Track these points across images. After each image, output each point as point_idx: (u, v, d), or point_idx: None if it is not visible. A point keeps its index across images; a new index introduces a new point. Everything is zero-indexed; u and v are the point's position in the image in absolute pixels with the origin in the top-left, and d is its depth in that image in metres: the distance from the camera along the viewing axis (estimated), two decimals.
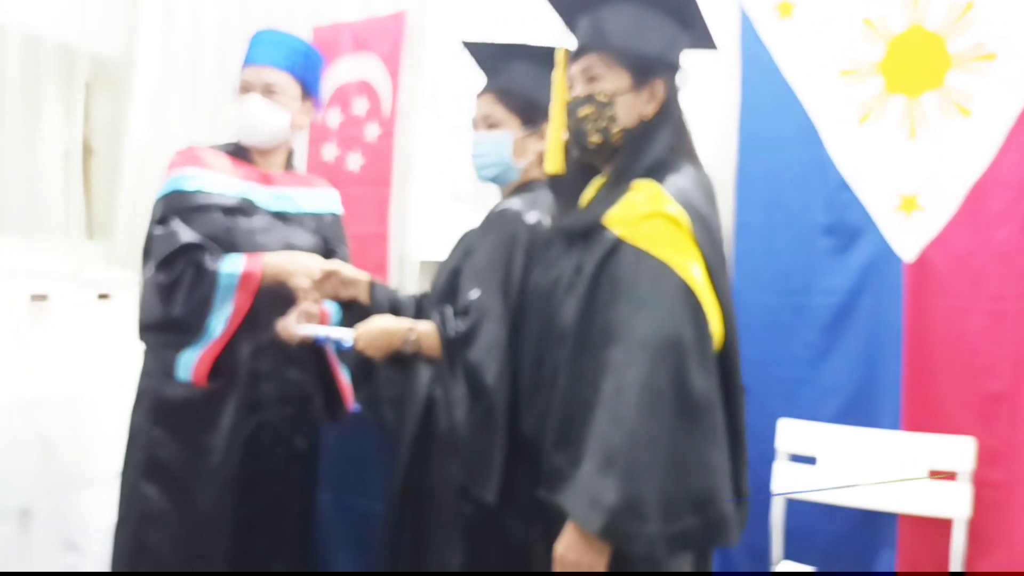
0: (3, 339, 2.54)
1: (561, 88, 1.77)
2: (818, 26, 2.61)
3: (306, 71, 2.30)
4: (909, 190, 2.48)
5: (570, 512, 1.46)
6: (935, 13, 2.46)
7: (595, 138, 1.69)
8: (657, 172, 1.61)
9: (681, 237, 1.52)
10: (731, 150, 2.72)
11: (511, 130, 2.00)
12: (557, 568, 1.49)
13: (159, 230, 2.13)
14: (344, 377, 2.32)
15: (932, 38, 2.46)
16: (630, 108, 1.68)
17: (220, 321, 2.07)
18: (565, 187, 1.82)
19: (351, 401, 2.33)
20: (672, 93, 1.71)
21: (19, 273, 2.60)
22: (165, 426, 2.14)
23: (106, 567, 2.71)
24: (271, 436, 2.20)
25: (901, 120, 2.49)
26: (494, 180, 2.08)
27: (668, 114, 1.70)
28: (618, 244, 1.54)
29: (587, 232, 1.62)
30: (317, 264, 2.10)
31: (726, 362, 1.55)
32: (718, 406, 1.48)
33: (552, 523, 1.54)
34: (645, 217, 1.54)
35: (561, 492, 1.51)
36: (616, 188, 1.63)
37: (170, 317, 2.08)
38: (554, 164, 1.78)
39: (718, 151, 2.70)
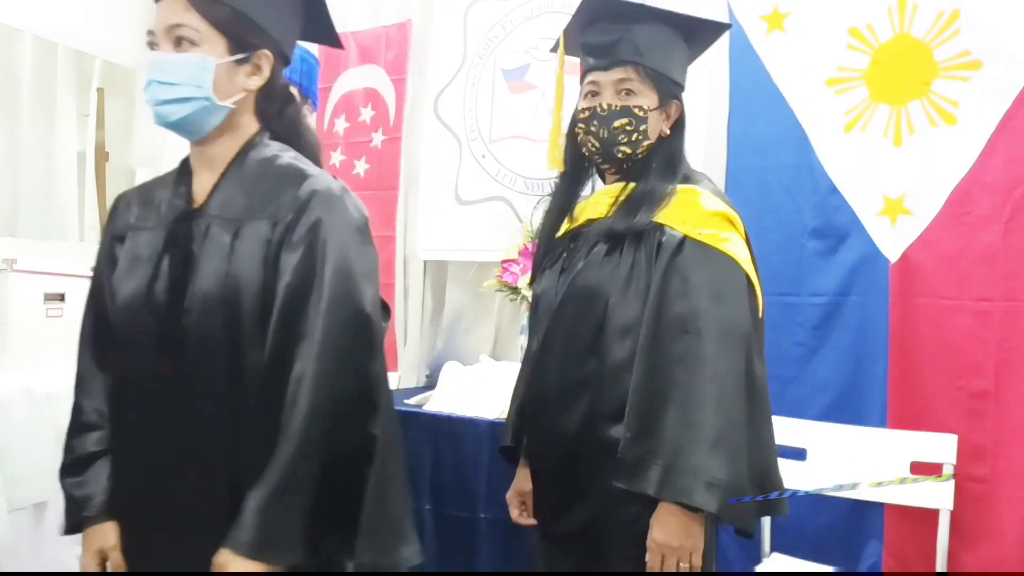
0: (19, 337, 2.60)
1: (560, 89, 1.87)
2: (807, 36, 2.66)
3: (302, 75, 2.36)
4: (895, 193, 2.53)
5: (683, 495, 1.49)
6: (922, 22, 2.51)
7: (626, 149, 1.73)
8: (689, 181, 1.72)
9: (738, 235, 1.64)
10: (720, 154, 2.78)
11: (212, 53, 1.47)
12: (656, 555, 1.53)
13: None
14: None
15: (919, 46, 2.52)
16: (655, 125, 1.76)
17: None
18: (563, 187, 1.90)
19: None
20: (683, 115, 1.81)
21: (35, 273, 2.65)
22: None
23: None
24: None
25: (887, 128, 2.55)
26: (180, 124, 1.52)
27: (681, 133, 1.80)
28: (683, 241, 1.60)
29: (640, 233, 1.66)
30: None
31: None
32: (768, 392, 1.61)
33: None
34: (708, 216, 1.63)
35: (648, 479, 1.52)
36: (658, 192, 1.69)
37: None
38: (555, 161, 1.86)
39: (708, 155, 2.76)
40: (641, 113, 1.72)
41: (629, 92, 1.73)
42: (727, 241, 1.60)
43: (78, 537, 2.67)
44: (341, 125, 3.61)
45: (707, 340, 1.52)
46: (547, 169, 3.03)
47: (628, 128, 1.71)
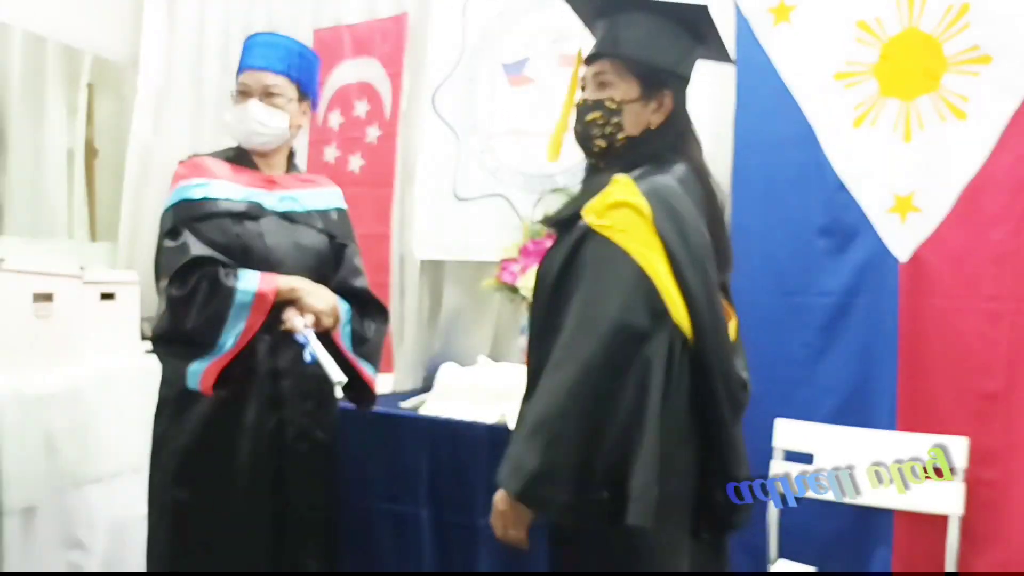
0: (8, 338, 2.55)
1: (574, 86, 1.82)
2: (814, 29, 2.62)
3: (302, 72, 2.32)
4: (905, 191, 2.50)
5: (499, 478, 1.57)
6: (931, 15, 2.48)
7: (600, 143, 1.74)
8: (639, 168, 1.65)
9: (643, 226, 1.56)
10: (727, 152, 2.74)
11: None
12: (492, 515, 1.63)
13: (170, 243, 2.13)
14: (365, 367, 2.33)
15: (928, 40, 2.48)
16: (637, 117, 1.72)
17: (232, 336, 2.08)
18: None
19: (376, 388, 2.37)
20: (680, 105, 1.75)
21: (23, 273, 2.61)
22: (190, 431, 2.15)
23: (110, 565, 2.75)
24: (294, 431, 2.22)
25: (896, 123, 2.51)
26: None
27: (673, 125, 1.74)
28: (587, 232, 1.60)
29: (568, 223, 1.69)
30: (329, 295, 2.19)
31: (700, 356, 1.58)
32: (655, 395, 1.50)
33: None
34: (612, 206, 1.58)
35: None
36: (601, 181, 1.67)
37: (183, 330, 2.08)
38: (553, 154, 1.85)
39: (714, 153, 2.66)
40: (613, 105, 1.71)
41: (604, 84, 1.73)
42: (624, 232, 1.56)
43: (68, 542, 2.65)
44: (335, 120, 3.56)
45: (567, 330, 1.55)
46: (547, 165, 3.06)
47: (600, 122, 1.72)
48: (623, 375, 1.49)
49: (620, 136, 1.73)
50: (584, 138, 1.76)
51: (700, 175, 1.73)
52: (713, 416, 1.62)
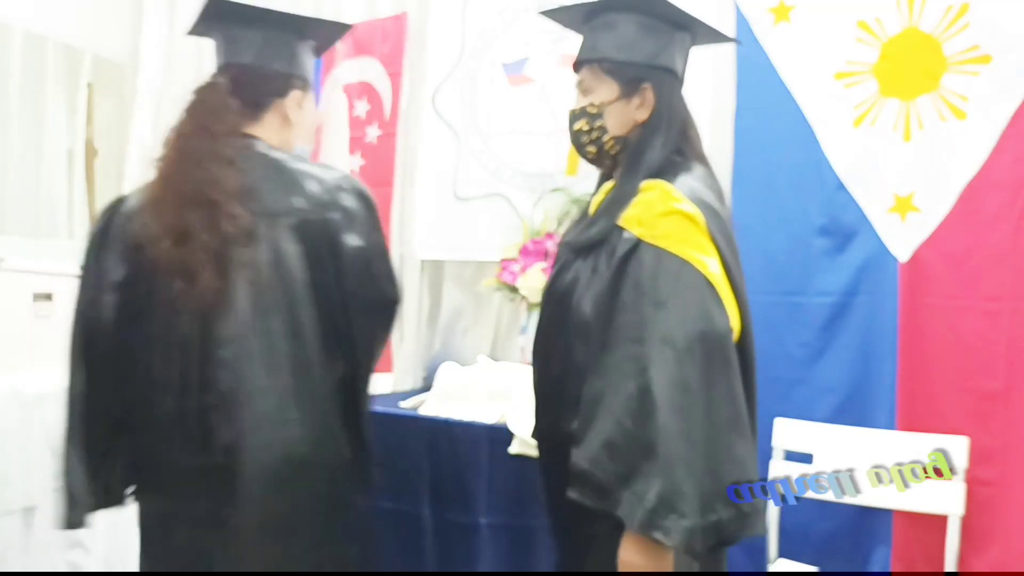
0: (8, 337, 2.55)
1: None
2: (814, 28, 2.62)
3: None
4: (904, 191, 2.50)
5: (617, 511, 1.44)
6: (931, 15, 2.48)
7: (591, 148, 1.74)
8: (665, 173, 1.62)
9: (698, 233, 1.53)
10: (727, 151, 2.73)
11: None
12: (622, 570, 1.47)
13: None
14: None
15: (928, 40, 2.48)
16: (620, 116, 1.70)
17: None
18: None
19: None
20: (665, 96, 1.71)
21: (23, 272, 2.61)
22: None
23: (110, 565, 2.75)
24: None
25: (896, 122, 2.51)
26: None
27: (662, 117, 1.70)
28: (637, 244, 1.54)
29: (602, 239, 1.63)
30: None
31: (743, 355, 1.56)
32: (743, 398, 1.49)
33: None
34: (662, 216, 1.54)
35: (584, 490, 1.49)
36: (623, 191, 1.64)
37: None
38: (571, 169, 1.87)
39: (714, 152, 2.66)
40: (594, 110, 1.71)
41: (586, 91, 1.74)
42: (682, 242, 1.52)
43: (69, 541, 2.65)
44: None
45: (642, 349, 1.46)
46: (547, 165, 3.06)
47: (585, 128, 1.73)
48: (714, 388, 1.45)
49: (607, 138, 1.72)
50: (577, 147, 1.77)
51: (711, 172, 1.72)
52: (754, 415, 1.61)
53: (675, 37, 1.72)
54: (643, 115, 1.70)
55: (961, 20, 2.44)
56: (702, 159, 1.72)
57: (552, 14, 1.82)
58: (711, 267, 1.51)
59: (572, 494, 1.51)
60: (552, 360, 1.69)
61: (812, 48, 2.62)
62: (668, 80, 1.72)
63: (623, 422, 1.44)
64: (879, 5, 2.54)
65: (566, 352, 1.64)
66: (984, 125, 2.40)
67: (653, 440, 1.40)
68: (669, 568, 1.44)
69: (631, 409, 1.44)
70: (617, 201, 1.63)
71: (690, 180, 1.61)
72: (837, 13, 2.59)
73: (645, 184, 1.60)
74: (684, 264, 1.50)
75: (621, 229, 1.57)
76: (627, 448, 1.43)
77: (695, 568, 1.54)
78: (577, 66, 1.76)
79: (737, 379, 1.48)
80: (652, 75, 1.70)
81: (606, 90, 1.70)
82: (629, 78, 1.69)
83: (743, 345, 1.57)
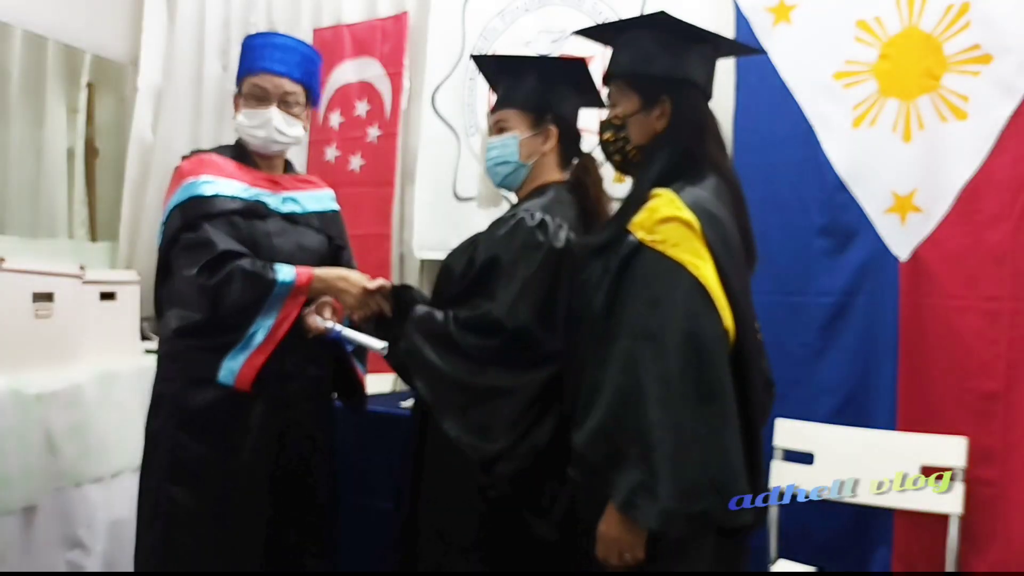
0: (8, 338, 2.55)
1: None
2: (814, 28, 2.62)
3: (312, 77, 2.33)
4: (904, 191, 2.49)
5: (605, 490, 1.59)
6: (931, 15, 2.47)
7: (616, 157, 1.87)
8: (674, 181, 1.71)
9: (694, 239, 1.62)
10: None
11: (519, 132, 2.12)
12: (600, 545, 1.62)
13: (190, 236, 2.13)
14: (360, 370, 2.36)
15: (928, 40, 2.48)
16: (642, 127, 1.81)
17: (264, 327, 2.10)
18: None
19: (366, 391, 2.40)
20: (680, 108, 1.79)
21: (23, 272, 2.60)
22: (190, 429, 2.13)
23: (110, 565, 2.75)
24: (298, 432, 2.22)
25: (896, 122, 2.51)
26: (505, 182, 2.21)
27: (677, 127, 1.79)
28: (639, 247, 1.65)
29: (612, 241, 1.73)
30: (364, 281, 2.14)
31: (739, 357, 1.63)
32: (731, 395, 1.57)
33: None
34: (662, 221, 1.64)
35: (578, 469, 1.67)
36: (634, 198, 1.75)
37: (215, 319, 2.09)
38: (619, 178, 2.05)
39: None
40: (618, 121, 1.84)
41: (613, 104, 1.87)
42: (677, 247, 1.61)
43: (68, 542, 2.65)
44: (336, 119, 3.57)
45: (632, 344, 1.59)
46: None
47: (609, 140, 1.86)
48: (699, 382, 1.55)
49: (629, 148, 1.84)
50: (606, 155, 1.90)
51: (728, 180, 1.78)
52: (753, 417, 1.66)
53: (692, 50, 1.81)
54: (662, 125, 1.80)
55: (961, 20, 2.44)
56: (718, 168, 1.79)
57: (587, 32, 1.95)
58: (704, 271, 1.60)
59: (570, 472, 1.70)
60: (574, 352, 1.81)
61: (812, 48, 2.62)
62: (686, 91, 1.81)
63: (614, 410, 1.59)
64: (879, 5, 2.54)
65: (584, 344, 1.75)
66: (984, 125, 2.40)
67: (637, 429, 1.55)
68: (641, 546, 1.58)
69: (621, 399, 1.58)
70: (627, 207, 1.74)
71: (697, 189, 1.70)
72: (837, 13, 2.59)
73: (654, 192, 1.70)
74: (678, 267, 1.60)
75: (628, 232, 1.68)
76: (615, 435, 1.58)
77: (704, 560, 1.63)
78: (606, 80, 1.88)
79: (725, 376, 1.57)
80: (670, 87, 1.80)
81: (629, 102, 1.83)
82: (649, 91, 1.81)
83: (739, 348, 1.64)
